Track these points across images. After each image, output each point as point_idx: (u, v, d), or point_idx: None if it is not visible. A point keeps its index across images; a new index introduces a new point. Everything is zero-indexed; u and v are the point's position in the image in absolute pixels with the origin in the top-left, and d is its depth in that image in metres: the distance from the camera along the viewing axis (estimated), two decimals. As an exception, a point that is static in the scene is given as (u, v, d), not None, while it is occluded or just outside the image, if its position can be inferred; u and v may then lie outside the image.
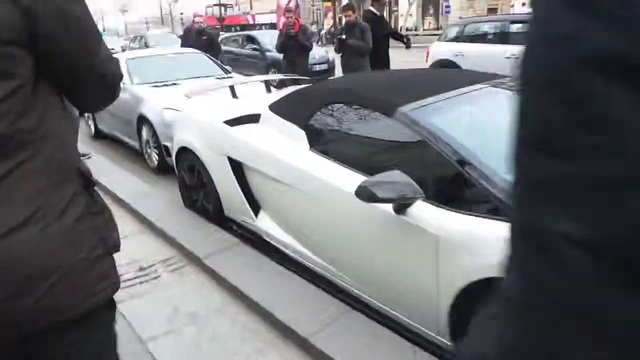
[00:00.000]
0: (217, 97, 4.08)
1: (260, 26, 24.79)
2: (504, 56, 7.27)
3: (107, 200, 3.89)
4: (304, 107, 2.89)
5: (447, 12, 28.18)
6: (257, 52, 11.72)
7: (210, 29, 8.62)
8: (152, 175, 5.04)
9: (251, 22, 27.74)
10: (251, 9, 44.06)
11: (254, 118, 3.23)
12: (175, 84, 5.62)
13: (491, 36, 8.10)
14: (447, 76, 3.11)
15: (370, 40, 6.34)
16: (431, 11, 36.43)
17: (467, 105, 2.46)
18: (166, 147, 4.83)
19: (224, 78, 6.05)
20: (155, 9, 60.95)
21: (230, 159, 3.11)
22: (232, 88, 4.15)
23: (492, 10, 40.59)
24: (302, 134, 2.77)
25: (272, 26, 24.41)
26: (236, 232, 3.22)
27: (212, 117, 3.37)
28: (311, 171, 2.55)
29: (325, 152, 2.59)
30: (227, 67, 6.72)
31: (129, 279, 2.76)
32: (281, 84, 4.54)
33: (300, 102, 2.98)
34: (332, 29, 33.38)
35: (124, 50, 12.18)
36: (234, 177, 3.10)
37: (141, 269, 2.87)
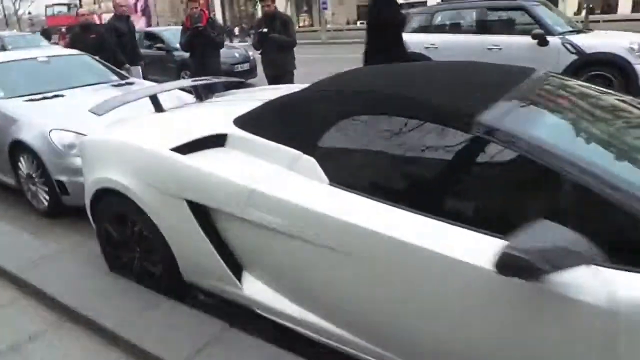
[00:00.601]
0: (141, 113, 2.98)
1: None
2: (484, 47, 6.71)
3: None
4: (305, 123, 2.02)
5: (324, 9, 28.20)
6: (162, 53, 10.05)
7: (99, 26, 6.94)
8: (43, 223, 3.71)
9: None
10: (100, 7, 40.48)
11: (208, 141, 2.29)
12: (57, 95, 4.29)
13: (467, 26, 7.33)
14: (497, 71, 2.32)
15: (294, 33, 5.55)
16: (305, 8, 36.51)
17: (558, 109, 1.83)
18: (60, 183, 3.57)
19: (122, 85, 4.81)
20: (-6, 9, 52.62)
21: (191, 203, 2.14)
22: (154, 99, 3.08)
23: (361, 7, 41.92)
24: (311, 162, 1.91)
25: None
26: (218, 310, 2.23)
27: (154, 143, 2.33)
28: (344, 218, 1.72)
29: (363, 190, 1.75)
30: (123, 70, 5.44)
31: None
32: (207, 90, 3.56)
33: (295, 116, 2.11)
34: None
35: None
36: (199, 229, 2.13)
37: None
